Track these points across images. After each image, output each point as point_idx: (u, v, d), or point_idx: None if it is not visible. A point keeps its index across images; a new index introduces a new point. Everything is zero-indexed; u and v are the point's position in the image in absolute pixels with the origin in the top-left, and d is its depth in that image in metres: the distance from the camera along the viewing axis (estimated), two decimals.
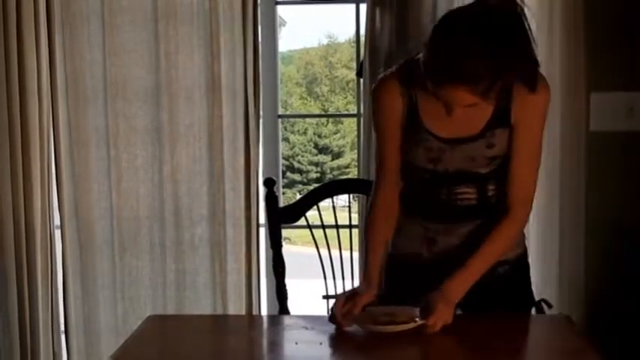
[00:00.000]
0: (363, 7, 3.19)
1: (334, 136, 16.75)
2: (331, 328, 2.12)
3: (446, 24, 2.06)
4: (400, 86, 2.22)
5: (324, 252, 2.77)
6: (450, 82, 2.02)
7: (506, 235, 2.24)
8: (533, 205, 3.08)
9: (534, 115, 2.19)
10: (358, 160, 3.39)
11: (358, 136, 3.37)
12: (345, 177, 14.46)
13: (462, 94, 2.02)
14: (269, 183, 2.75)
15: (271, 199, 2.75)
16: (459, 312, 2.18)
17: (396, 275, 2.35)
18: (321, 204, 2.78)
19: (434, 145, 2.20)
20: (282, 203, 2.97)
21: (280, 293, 2.69)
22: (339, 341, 2.07)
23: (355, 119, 3.39)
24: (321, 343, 2.08)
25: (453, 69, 1.99)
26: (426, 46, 2.06)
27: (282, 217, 2.74)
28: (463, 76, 1.99)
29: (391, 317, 2.08)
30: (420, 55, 2.10)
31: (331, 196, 2.78)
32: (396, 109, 2.24)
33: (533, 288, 2.43)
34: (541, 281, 3.13)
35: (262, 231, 3.30)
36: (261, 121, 3.25)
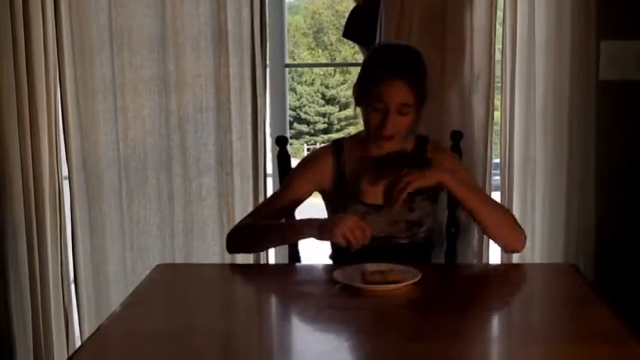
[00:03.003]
0: None
1: (341, 87, 16.63)
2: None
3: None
4: (332, 154, 2.48)
5: None
6: (393, 74, 2.27)
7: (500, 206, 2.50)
8: (542, 155, 3.10)
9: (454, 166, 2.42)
10: None
11: None
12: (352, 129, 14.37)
13: (401, 87, 2.27)
14: (281, 141, 2.71)
15: (284, 157, 2.72)
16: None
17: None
18: None
19: (359, 209, 2.41)
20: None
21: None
22: (347, 289, 2.08)
23: None
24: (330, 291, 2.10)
25: (398, 61, 2.32)
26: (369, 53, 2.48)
27: None
28: (405, 65, 2.30)
29: (383, 275, 2.08)
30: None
31: None
32: (321, 170, 2.48)
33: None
34: (549, 230, 3.14)
35: (270, 181, 3.31)
36: (268, 70, 3.23)
